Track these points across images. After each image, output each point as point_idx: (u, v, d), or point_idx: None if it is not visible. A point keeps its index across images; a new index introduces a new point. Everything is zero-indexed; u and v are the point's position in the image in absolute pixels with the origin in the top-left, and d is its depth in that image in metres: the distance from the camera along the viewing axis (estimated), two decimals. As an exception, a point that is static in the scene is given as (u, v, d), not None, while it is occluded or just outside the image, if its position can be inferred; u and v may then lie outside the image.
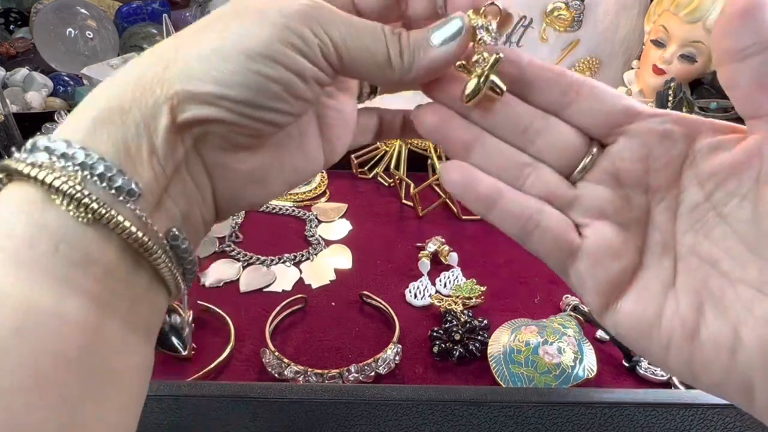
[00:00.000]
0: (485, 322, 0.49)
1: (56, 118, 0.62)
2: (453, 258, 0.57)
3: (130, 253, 0.20)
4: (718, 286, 0.22)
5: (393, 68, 0.23)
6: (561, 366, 0.43)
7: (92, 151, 0.19)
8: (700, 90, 0.72)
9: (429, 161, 0.71)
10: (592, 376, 0.43)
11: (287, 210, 0.69)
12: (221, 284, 0.57)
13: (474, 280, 0.54)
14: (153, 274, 0.21)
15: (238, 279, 0.58)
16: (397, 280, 0.56)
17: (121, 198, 0.19)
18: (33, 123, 0.68)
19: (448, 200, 0.67)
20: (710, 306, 0.22)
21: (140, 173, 0.20)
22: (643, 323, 0.23)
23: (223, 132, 0.22)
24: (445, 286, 0.55)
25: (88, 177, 0.19)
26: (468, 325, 0.48)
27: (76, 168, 0.19)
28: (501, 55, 0.23)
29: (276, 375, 0.45)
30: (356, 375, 0.44)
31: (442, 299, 0.52)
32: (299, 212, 0.69)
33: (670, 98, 0.66)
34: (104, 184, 0.19)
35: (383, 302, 0.52)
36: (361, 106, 0.29)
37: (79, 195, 0.18)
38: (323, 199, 0.71)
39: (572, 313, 0.51)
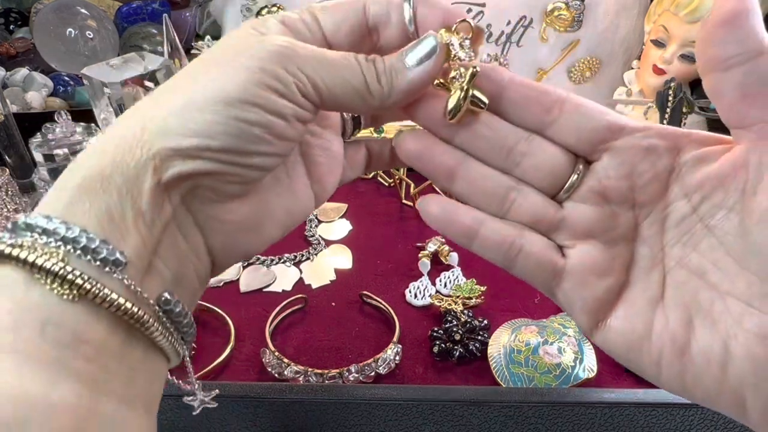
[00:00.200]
0: (485, 322, 0.49)
1: (56, 118, 0.62)
2: (453, 258, 0.57)
3: (121, 325, 0.19)
4: (708, 298, 0.22)
5: (372, 94, 0.22)
6: (561, 366, 0.43)
7: (73, 224, 0.18)
8: (700, 90, 0.72)
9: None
10: (592, 376, 0.43)
11: (287, 210, 0.69)
12: (221, 284, 0.57)
13: (474, 280, 0.54)
14: (148, 344, 0.20)
15: (238, 279, 0.58)
16: (397, 280, 0.56)
17: (107, 269, 0.18)
18: (33, 123, 0.68)
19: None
20: (699, 320, 0.22)
21: (126, 239, 0.19)
22: (633, 340, 0.23)
23: (211, 183, 0.21)
24: (445, 286, 0.55)
25: (71, 251, 0.18)
26: (468, 325, 0.48)
27: (58, 243, 0.18)
28: (477, 68, 0.23)
29: (276, 375, 0.45)
30: (356, 375, 0.44)
31: (442, 299, 0.52)
32: (299, 212, 0.68)
33: (670, 98, 0.66)
34: (88, 257, 0.18)
35: (383, 302, 0.52)
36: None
37: (62, 271, 0.18)
38: (323, 199, 0.71)
39: (572, 313, 0.51)
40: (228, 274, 0.58)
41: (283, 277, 0.58)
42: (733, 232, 0.21)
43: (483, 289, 0.53)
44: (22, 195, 0.69)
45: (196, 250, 0.23)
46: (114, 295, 0.18)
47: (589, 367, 0.44)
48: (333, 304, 0.54)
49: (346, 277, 0.57)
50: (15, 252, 0.18)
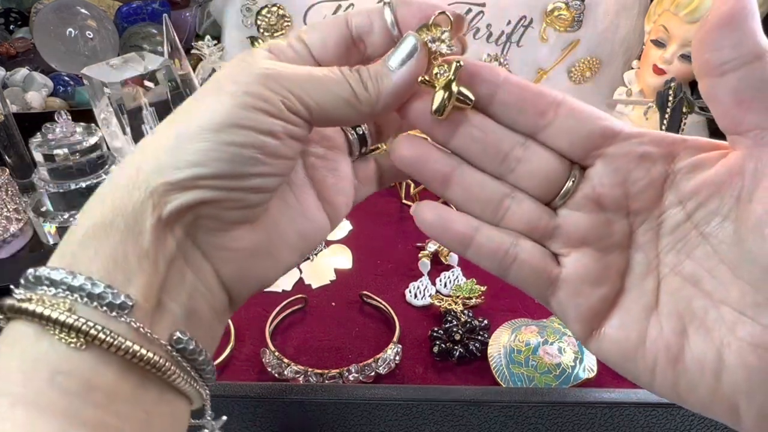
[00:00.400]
0: (485, 322, 0.49)
1: (56, 118, 0.62)
2: (453, 258, 0.57)
3: (133, 369, 0.19)
4: (702, 307, 0.21)
5: (361, 101, 0.22)
6: (561, 366, 0.43)
7: (78, 273, 0.19)
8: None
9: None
10: (592, 376, 0.43)
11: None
12: (221, 284, 0.57)
13: (474, 280, 0.54)
14: (164, 386, 0.20)
15: (238, 279, 0.58)
16: (397, 280, 0.56)
17: (113, 314, 0.18)
18: (33, 123, 0.68)
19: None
20: (694, 328, 0.21)
21: (132, 281, 0.19)
22: (627, 349, 0.22)
23: (212, 212, 0.21)
24: (445, 286, 0.55)
25: (78, 300, 0.18)
26: (468, 325, 0.48)
27: (65, 293, 0.18)
28: (461, 62, 0.22)
29: (276, 375, 0.45)
30: (356, 375, 0.44)
31: (442, 299, 0.52)
32: (299, 212, 0.68)
33: (671, 98, 0.66)
34: (94, 304, 0.18)
35: (383, 302, 0.52)
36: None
37: (68, 320, 0.18)
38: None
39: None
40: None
41: (283, 277, 0.58)
42: (727, 239, 0.21)
43: (483, 289, 0.53)
44: (22, 195, 0.69)
45: (206, 283, 0.22)
46: (121, 339, 0.18)
47: (589, 367, 0.44)
48: (333, 304, 0.54)
49: (346, 277, 0.57)
50: (24, 305, 0.18)
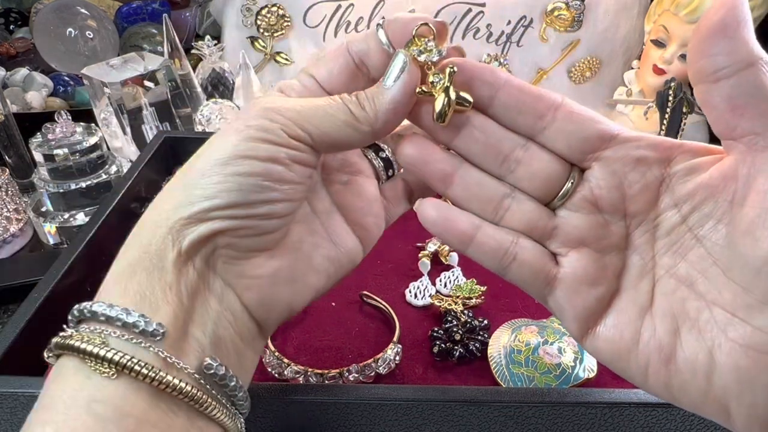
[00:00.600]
0: (485, 322, 0.49)
1: (56, 118, 0.62)
2: (453, 258, 0.57)
3: (163, 397, 0.20)
4: (695, 308, 0.22)
5: (360, 121, 0.23)
6: (561, 366, 0.43)
7: (115, 305, 0.20)
8: (700, 90, 0.72)
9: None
10: (593, 376, 0.43)
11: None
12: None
13: (474, 280, 0.54)
14: (193, 413, 0.21)
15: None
16: (397, 280, 0.56)
17: (144, 344, 0.20)
18: (33, 123, 0.68)
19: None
20: (686, 329, 0.22)
21: (157, 314, 0.21)
22: (621, 348, 0.23)
23: (229, 241, 0.22)
24: (445, 286, 0.55)
25: (111, 333, 0.20)
26: (468, 325, 0.48)
27: (102, 326, 0.20)
28: (455, 68, 0.23)
29: (276, 375, 0.45)
30: (356, 375, 0.44)
31: (442, 299, 0.52)
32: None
33: (670, 98, 0.66)
34: (128, 335, 0.20)
35: (383, 302, 0.52)
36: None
37: (101, 352, 0.19)
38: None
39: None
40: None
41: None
42: (720, 242, 0.21)
43: (483, 289, 0.53)
44: (22, 195, 0.69)
45: (232, 311, 0.23)
46: (149, 368, 0.20)
47: (589, 367, 0.44)
48: (333, 304, 0.54)
49: (346, 277, 0.57)
50: (66, 341, 0.20)
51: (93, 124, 0.65)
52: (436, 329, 0.49)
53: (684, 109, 0.65)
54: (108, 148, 0.67)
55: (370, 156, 0.29)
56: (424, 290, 0.54)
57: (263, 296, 0.24)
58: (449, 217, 0.24)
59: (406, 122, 0.25)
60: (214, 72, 0.81)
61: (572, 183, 0.24)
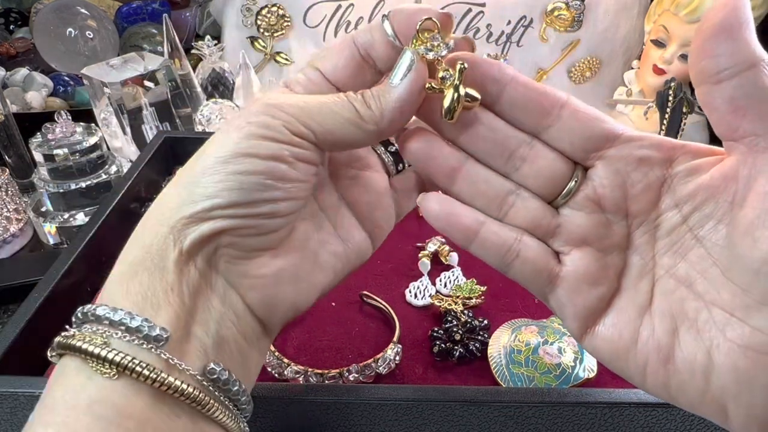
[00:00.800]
0: (485, 322, 0.49)
1: (56, 118, 0.62)
2: (453, 258, 0.57)
3: (165, 399, 0.20)
4: (693, 308, 0.22)
5: (365, 119, 0.23)
6: (561, 366, 0.43)
7: (117, 307, 0.20)
8: (700, 90, 0.72)
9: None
10: (593, 376, 0.43)
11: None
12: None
13: (474, 280, 0.54)
14: (196, 414, 0.21)
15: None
16: (397, 280, 0.56)
17: (146, 346, 0.20)
18: (33, 123, 0.68)
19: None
20: (685, 329, 0.22)
21: (159, 314, 0.20)
22: (620, 347, 0.23)
23: (231, 240, 0.22)
24: (445, 286, 0.55)
25: (114, 335, 0.20)
26: (468, 325, 0.48)
27: (105, 328, 0.20)
28: (465, 65, 0.23)
29: (276, 375, 0.45)
30: (356, 375, 0.44)
31: (442, 299, 0.52)
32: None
33: (670, 98, 0.66)
34: (131, 337, 0.20)
35: (383, 302, 0.52)
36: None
37: (102, 352, 0.19)
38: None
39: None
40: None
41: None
42: (720, 242, 0.21)
43: (483, 289, 0.53)
44: (22, 195, 0.69)
45: (235, 311, 0.23)
46: (148, 369, 0.19)
47: (589, 367, 0.44)
48: (333, 304, 0.54)
49: (346, 277, 0.57)
50: (68, 341, 0.20)
51: (93, 124, 0.65)
52: (436, 329, 0.49)
53: (684, 109, 0.65)
54: (108, 148, 0.67)
55: (380, 150, 0.28)
56: (424, 290, 0.54)
57: (267, 296, 0.23)
58: (453, 212, 0.24)
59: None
60: (214, 72, 0.81)
61: (576, 182, 0.23)
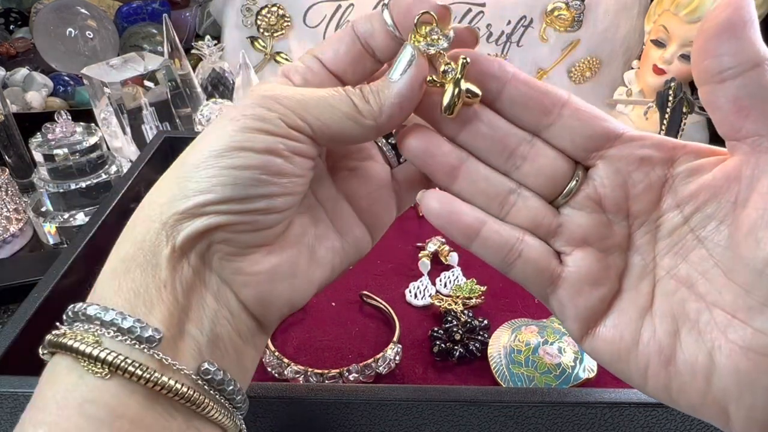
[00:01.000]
0: (485, 322, 0.49)
1: (56, 118, 0.62)
2: (453, 258, 0.57)
3: (159, 399, 0.20)
4: (695, 309, 0.22)
5: (363, 114, 0.22)
6: (561, 366, 0.43)
7: (111, 308, 0.20)
8: (700, 90, 0.72)
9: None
10: (593, 376, 0.43)
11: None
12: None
13: (474, 280, 0.54)
14: (191, 414, 0.20)
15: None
16: (397, 280, 0.56)
17: (139, 346, 0.19)
18: (33, 123, 0.68)
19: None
20: (686, 330, 0.21)
21: (152, 312, 0.20)
22: (621, 349, 0.23)
23: (225, 237, 0.21)
24: (445, 286, 0.55)
25: (106, 333, 0.19)
26: (468, 325, 0.48)
27: (95, 326, 0.20)
28: (468, 60, 0.22)
29: (276, 375, 0.45)
30: (356, 375, 0.44)
31: (442, 299, 0.52)
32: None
33: (670, 98, 0.66)
34: (123, 337, 0.19)
35: (383, 302, 0.52)
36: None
37: (94, 352, 0.19)
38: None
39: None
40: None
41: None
42: (722, 243, 0.21)
43: (483, 289, 0.53)
44: (22, 195, 0.69)
45: (229, 308, 0.22)
46: (143, 369, 0.19)
47: (589, 367, 0.44)
48: (333, 304, 0.54)
49: (346, 277, 0.57)
50: (59, 340, 0.20)
51: (93, 124, 0.65)
52: (436, 329, 0.49)
53: (684, 109, 0.65)
54: (108, 148, 0.67)
55: (380, 142, 0.27)
56: (424, 290, 0.54)
57: (261, 293, 0.23)
58: (454, 210, 0.23)
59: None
60: (214, 72, 0.81)
61: (577, 181, 0.23)
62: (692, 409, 0.22)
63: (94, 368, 0.19)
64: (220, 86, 0.81)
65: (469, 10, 0.86)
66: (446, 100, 0.22)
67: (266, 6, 0.86)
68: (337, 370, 0.44)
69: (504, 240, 0.23)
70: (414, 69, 0.22)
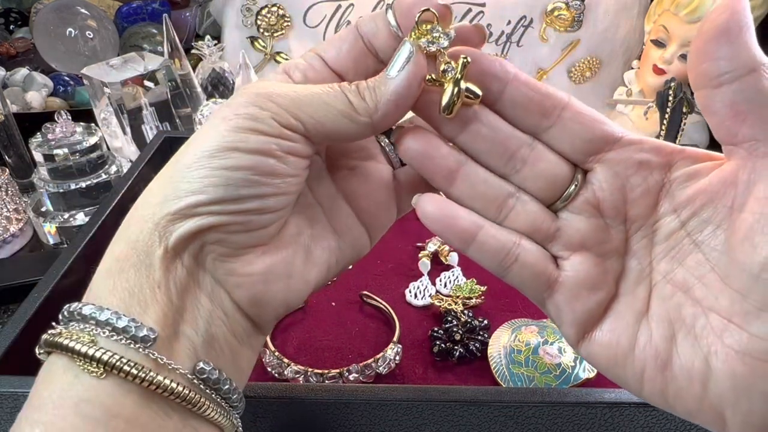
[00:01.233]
0: (485, 322, 0.49)
1: (56, 118, 0.62)
2: (453, 258, 0.57)
3: (154, 398, 0.20)
4: (691, 314, 0.21)
5: (359, 112, 0.22)
6: (561, 366, 0.43)
7: (103, 306, 0.20)
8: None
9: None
10: (593, 376, 0.43)
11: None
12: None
13: (474, 280, 0.54)
14: (187, 413, 0.20)
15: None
16: (397, 280, 0.56)
17: (134, 345, 0.19)
18: (33, 123, 0.68)
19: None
20: (682, 335, 0.21)
21: (147, 312, 0.20)
22: (617, 354, 0.22)
23: (218, 237, 0.21)
24: (445, 286, 0.55)
25: (101, 333, 0.19)
26: (468, 325, 0.48)
27: (91, 326, 0.20)
28: (468, 59, 0.22)
29: (276, 375, 0.45)
30: (356, 375, 0.44)
31: (442, 299, 0.52)
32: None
33: (670, 98, 0.66)
34: (118, 336, 0.19)
35: (383, 302, 0.52)
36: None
37: (89, 351, 0.19)
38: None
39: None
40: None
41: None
42: (719, 248, 0.21)
43: (483, 289, 0.53)
44: (22, 195, 0.69)
45: (224, 309, 0.22)
46: (137, 368, 0.19)
47: (589, 367, 0.44)
48: (333, 304, 0.54)
49: (346, 277, 0.57)
50: (55, 339, 0.20)
51: (93, 124, 0.65)
52: (436, 329, 0.49)
53: (684, 109, 0.65)
54: (108, 148, 0.67)
55: (383, 142, 0.27)
56: (424, 290, 0.54)
57: (255, 294, 0.22)
58: (450, 214, 0.23)
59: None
60: (214, 72, 0.80)
61: (576, 185, 0.23)
62: (689, 414, 0.21)
63: (89, 368, 0.19)
64: (220, 86, 0.81)
65: (469, 10, 0.86)
66: (445, 99, 0.22)
67: (266, 6, 0.86)
68: (337, 370, 0.44)
69: (501, 244, 0.23)
70: (412, 66, 0.22)
